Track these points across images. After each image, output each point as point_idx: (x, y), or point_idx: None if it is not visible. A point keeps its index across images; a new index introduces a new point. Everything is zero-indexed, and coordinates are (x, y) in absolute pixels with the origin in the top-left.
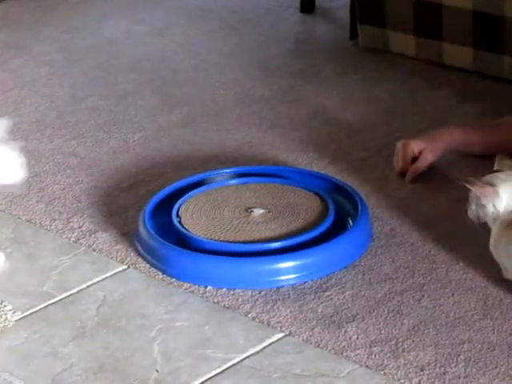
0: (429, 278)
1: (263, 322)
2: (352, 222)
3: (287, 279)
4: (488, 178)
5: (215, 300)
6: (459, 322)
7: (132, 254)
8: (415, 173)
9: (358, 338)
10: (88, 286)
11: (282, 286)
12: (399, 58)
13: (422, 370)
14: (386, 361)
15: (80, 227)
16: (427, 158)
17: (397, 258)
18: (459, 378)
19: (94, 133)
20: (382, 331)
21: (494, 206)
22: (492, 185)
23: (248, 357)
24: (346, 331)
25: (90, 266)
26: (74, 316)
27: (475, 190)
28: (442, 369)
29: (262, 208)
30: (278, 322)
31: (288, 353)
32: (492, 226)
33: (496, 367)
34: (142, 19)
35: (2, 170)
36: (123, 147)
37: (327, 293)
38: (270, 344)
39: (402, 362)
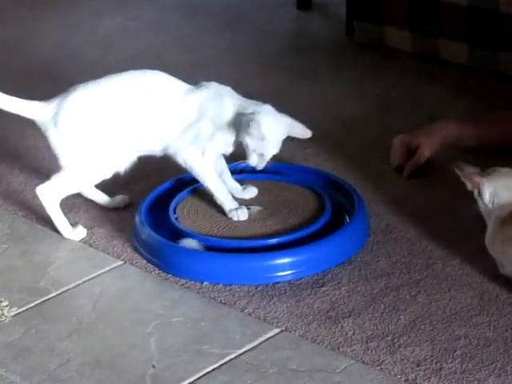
0: (425, 274)
1: (259, 318)
2: (349, 217)
3: (284, 275)
4: (490, 169)
5: (211, 296)
6: (455, 318)
7: (128, 250)
8: (412, 168)
9: (354, 334)
10: (84, 282)
11: (279, 282)
12: (395, 53)
13: (418, 366)
14: (382, 356)
15: (76, 223)
16: (424, 154)
17: (393, 254)
18: (455, 373)
19: None
20: (379, 327)
21: (479, 194)
22: (484, 175)
23: (244, 352)
24: (342, 327)
25: (86, 261)
26: (70, 311)
27: (462, 176)
28: (439, 364)
29: (259, 205)
30: (274, 318)
31: (284, 348)
32: (488, 221)
33: (492, 363)
34: (137, 15)
35: None
36: None
37: (323, 288)
38: (267, 339)
39: (399, 357)
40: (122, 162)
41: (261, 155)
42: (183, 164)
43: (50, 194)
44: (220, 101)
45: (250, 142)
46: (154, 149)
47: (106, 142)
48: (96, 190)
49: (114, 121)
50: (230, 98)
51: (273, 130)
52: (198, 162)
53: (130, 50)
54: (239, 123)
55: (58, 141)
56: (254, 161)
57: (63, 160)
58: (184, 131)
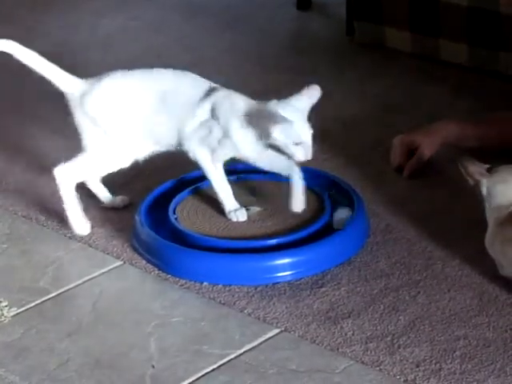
0: (425, 275)
1: (259, 318)
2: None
3: (283, 275)
4: (499, 167)
5: (211, 296)
6: (455, 319)
7: (128, 250)
8: (412, 168)
9: (353, 334)
10: (84, 282)
11: (278, 282)
12: (395, 53)
13: (417, 366)
14: (381, 357)
15: None
16: (424, 154)
17: (393, 254)
18: (455, 374)
19: None
20: (378, 327)
21: (480, 191)
22: (485, 175)
23: (244, 352)
24: (341, 327)
25: (86, 261)
26: (70, 312)
27: (464, 172)
28: (438, 365)
29: (259, 206)
30: (273, 318)
31: (284, 349)
32: (488, 222)
33: (492, 363)
34: (137, 15)
35: None
36: None
37: (323, 289)
38: (266, 340)
39: (398, 358)
40: (141, 152)
41: (300, 144)
42: (194, 160)
43: (67, 176)
44: (232, 104)
45: (280, 136)
46: (171, 143)
47: (127, 132)
48: (101, 186)
49: (138, 112)
50: (241, 101)
51: (293, 111)
52: (207, 161)
53: (130, 50)
54: (257, 124)
55: (82, 120)
56: (300, 153)
57: (84, 140)
58: (197, 129)
